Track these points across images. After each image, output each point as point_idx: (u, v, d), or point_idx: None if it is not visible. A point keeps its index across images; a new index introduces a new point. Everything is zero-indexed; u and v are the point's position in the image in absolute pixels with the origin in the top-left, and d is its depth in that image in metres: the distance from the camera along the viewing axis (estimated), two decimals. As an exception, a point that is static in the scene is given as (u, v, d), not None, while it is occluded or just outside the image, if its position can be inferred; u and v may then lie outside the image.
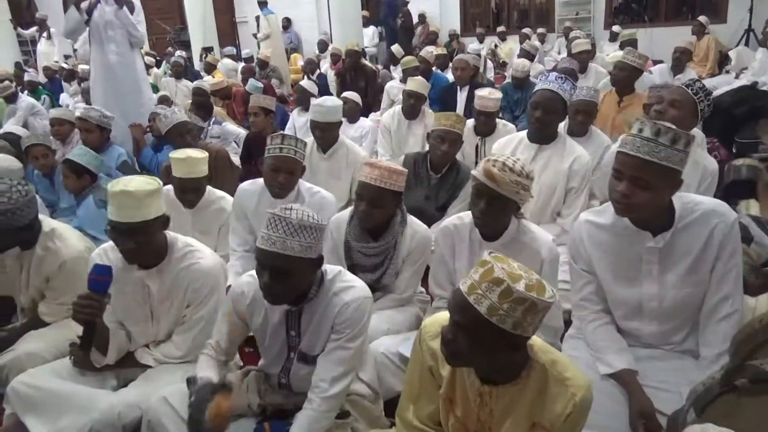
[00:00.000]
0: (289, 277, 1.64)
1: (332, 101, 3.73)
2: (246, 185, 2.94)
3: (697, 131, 3.13)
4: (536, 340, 1.42)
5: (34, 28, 12.72)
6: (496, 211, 1.95)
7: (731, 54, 7.81)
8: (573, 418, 1.35)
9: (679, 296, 1.75)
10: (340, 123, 3.73)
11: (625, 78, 4.06)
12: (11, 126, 4.48)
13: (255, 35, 11.26)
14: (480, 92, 4.03)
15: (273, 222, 1.62)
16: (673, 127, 1.59)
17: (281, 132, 2.79)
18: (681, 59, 5.86)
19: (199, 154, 2.90)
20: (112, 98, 5.04)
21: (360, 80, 6.91)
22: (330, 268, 1.83)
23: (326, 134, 3.60)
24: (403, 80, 6.04)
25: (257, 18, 11.28)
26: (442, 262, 2.24)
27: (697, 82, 2.58)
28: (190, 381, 1.78)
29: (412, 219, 2.43)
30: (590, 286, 1.90)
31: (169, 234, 2.13)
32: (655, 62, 6.77)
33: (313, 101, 3.98)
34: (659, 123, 1.61)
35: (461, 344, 1.29)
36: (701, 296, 1.74)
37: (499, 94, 4.07)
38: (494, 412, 1.42)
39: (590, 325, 1.90)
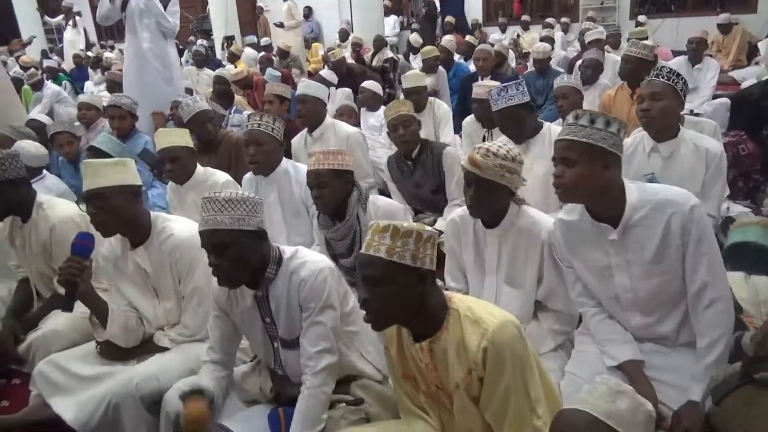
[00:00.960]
0: (228, 251, 1.68)
1: (315, 82, 3.86)
2: (248, 174, 3.05)
3: (708, 121, 3.11)
4: (455, 294, 1.56)
5: (60, 16, 12.91)
6: (485, 196, 1.98)
7: (760, 45, 7.61)
8: (493, 356, 1.40)
9: (649, 287, 1.75)
10: (323, 102, 3.80)
11: (632, 70, 3.99)
12: (36, 114, 4.58)
13: (279, 24, 11.21)
14: (478, 85, 4.06)
15: (204, 205, 1.70)
16: (593, 111, 1.72)
17: (251, 112, 2.90)
18: (697, 49, 5.71)
19: (180, 129, 3.13)
20: (144, 86, 5.10)
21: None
22: (287, 249, 1.85)
23: (306, 106, 3.67)
24: (423, 70, 6.02)
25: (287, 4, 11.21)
26: (453, 254, 2.26)
27: (663, 68, 2.59)
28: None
29: (375, 196, 2.53)
30: (580, 282, 1.92)
31: (153, 213, 2.22)
32: (681, 53, 6.61)
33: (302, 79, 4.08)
34: (579, 110, 1.74)
35: (378, 300, 1.43)
36: (676, 286, 1.74)
37: (492, 83, 4.05)
38: (434, 366, 1.51)
39: (593, 320, 1.91)
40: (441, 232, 2.34)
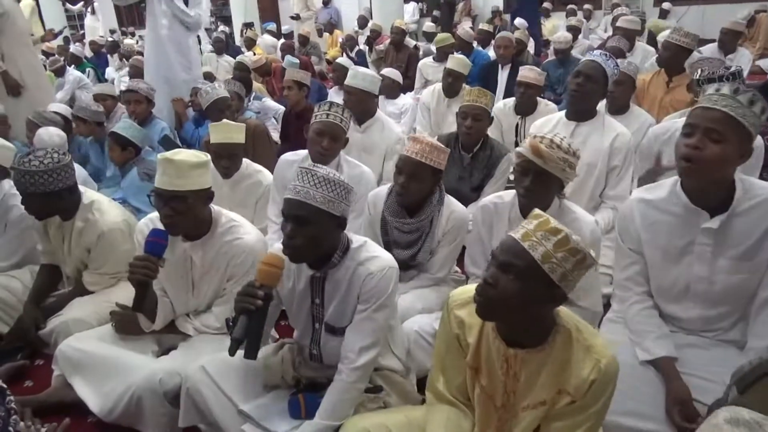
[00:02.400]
0: (309, 227, 1.66)
1: (368, 71, 3.70)
2: (288, 155, 2.98)
3: None
4: (562, 308, 1.42)
5: (80, 3, 13.01)
6: (542, 188, 1.94)
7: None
8: (597, 387, 1.34)
9: (730, 282, 1.69)
10: (375, 96, 3.68)
11: (670, 58, 3.91)
12: (55, 105, 4.67)
13: (295, 17, 11.13)
14: (524, 67, 4.01)
15: (300, 174, 1.69)
16: (755, 91, 1.58)
17: (330, 101, 2.82)
18: (728, 40, 5.60)
19: (237, 124, 2.96)
20: (163, 72, 5.12)
21: (401, 59, 6.85)
22: (356, 238, 1.84)
23: (355, 99, 3.54)
24: (437, 58, 5.97)
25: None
26: (478, 240, 2.23)
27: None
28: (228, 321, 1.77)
29: (450, 199, 2.42)
30: (636, 266, 1.85)
31: (214, 208, 2.18)
32: (706, 41, 6.46)
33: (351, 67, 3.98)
34: (745, 87, 1.59)
35: (503, 291, 1.29)
36: (754, 285, 1.68)
37: (542, 72, 4.00)
38: (519, 377, 1.42)
39: (633, 308, 1.86)
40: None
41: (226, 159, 2.90)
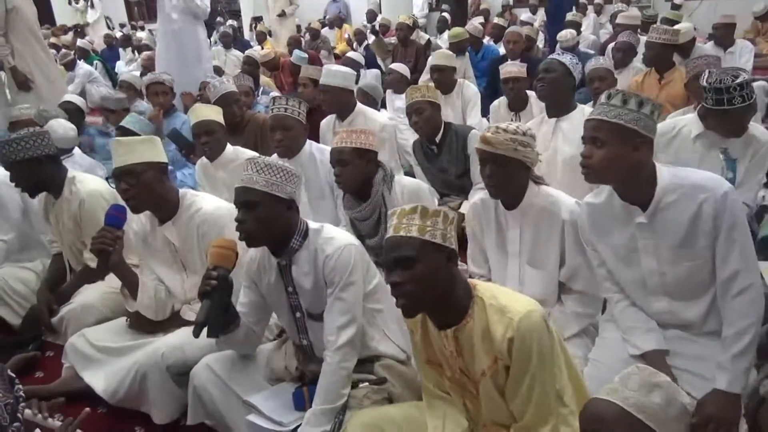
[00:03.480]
0: (256, 210, 1.73)
1: (339, 67, 3.75)
2: (274, 156, 3.02)
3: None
4: (479, 282, 1.54)
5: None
6: (501, 172, 1.96)
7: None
8: (519, 344, 1.38)
9: (678, 272, 1.72)
10: (351, 91, 3.71)
11: (655, 57, 3.94)
12: (68, 96, 4.73)
13: (282, 14, 10.49)
14: (503, 64, 4.07)
15: (246, 164, 1.77)
16: (627, 90, 1.68)
17: (275, 95, 2.91)
18: (721, 35, 5.54)
19: (212, 106, 3.19)
20: (173, 66, 5.15)
21: (409, 54, 6.83)
22: (314, 224, 1.89)
23: (329, 97, 3.61)
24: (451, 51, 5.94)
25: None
26: (474, 239, 2.25)
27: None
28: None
29: (400, 176, 2.52)
30: (604, 266, 1.89)
31: (182, 190, 2.28)
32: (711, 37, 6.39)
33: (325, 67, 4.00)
34: (615, 89, 1.70)
35: (409, 282, 1.40)
36: (705, 272, 1.70)
37: (521, 64, 4.02)
38: (462, 353, 1.50)
39: (617, 306, 1.88)
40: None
41: (205, 135, 3.01)
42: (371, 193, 2.41)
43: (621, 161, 1.65)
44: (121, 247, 2.15)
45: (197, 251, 2.23)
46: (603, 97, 1.70)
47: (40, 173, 2.50)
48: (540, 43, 8.13)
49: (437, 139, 3.24)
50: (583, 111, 2.89)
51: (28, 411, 1.43)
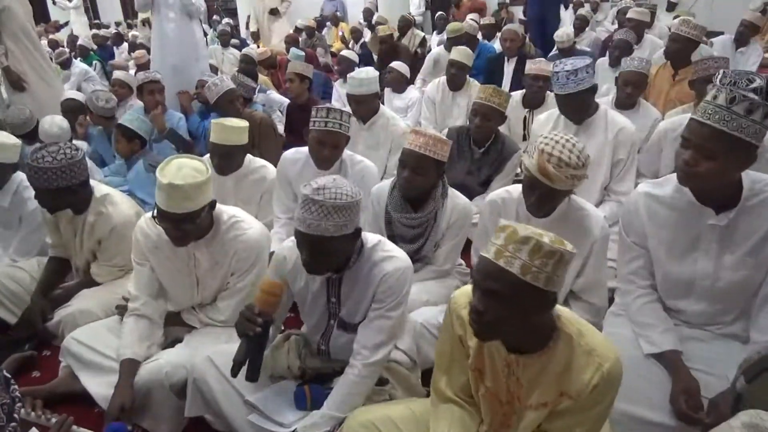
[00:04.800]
0: (326, 253, 1.68)
1: (366, 73, 3.67)
2: (290, 153, 2.95)
3: None
4: (563, 310, 1.41)
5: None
6: (549, 201, 1.92)
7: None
8: (600, 390, 1.33)
9: (734, 278, 1.68)
10: (377, 94, 3.69)
11: (678, 50, 3.88)
12: (70, 92, 4.72)
13: (274, 11, 9.85)
14: (532, 60, 4.00)
15: (307, 204, 1.63)
16: (752, 96, 1.49)
17: (328, 105, 2.78)
18: (744, 33, 5.54)
19: (241, 123, 2.89)
20: (170, 65, 5.13)
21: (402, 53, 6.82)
22: (370, 237, 1.83)
23: (362, 106, 3.60)
24: (448, 48, 5.95)
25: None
26: (485, 234, 2.22)
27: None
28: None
29: (453, 192, 2.41)
30: (640, 260, 1.84)
31: (216, 207, 2.15)
32: (714, 33, 6.40)
33: (349, 74, 3.94)
34: (737, 90, 1.50)
35: (493, 314, 1.28)
36: (758, 281, 1.67)
37: (547, 63, 3.99)
38: (521, 381, 1.41)
39: (637, 301, 1.85)
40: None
41: (218, 158, 2.86)
42: (427, 205, 2.30)
43: (727, 174, 1.56)
44: None
45: (222, 274, 2.17)
46: (722, 98, 1.50)
47: (70, 199, 2.44)
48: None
49: (486, 144, 3.19)
50: (606, 114, 2.85)
51: (23, 411, 1.42)
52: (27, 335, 2.64)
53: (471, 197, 3.15)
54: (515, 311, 1.27)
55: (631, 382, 1.68)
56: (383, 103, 5.14)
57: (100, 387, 2.11)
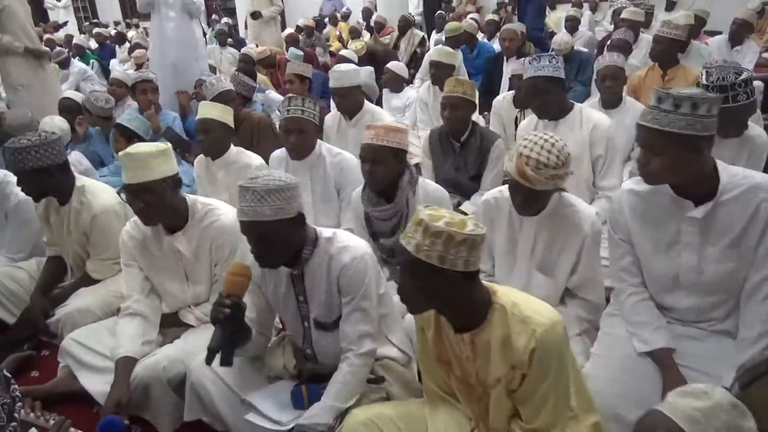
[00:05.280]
0: (272, 241, 1.69)
1: (346, 66, 3.70)
2: (276, 152, 3.03)
3: None
4: (499, 287, 1.50)
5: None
6: (534, 201, 1.94)
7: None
8: (540, 355, 1.37)
9: (719, 270, 1.70)
10: (359, 86, 3.70)
11: (662, 51, 3.90)
12: (69, 92, 4.72)
13: (255, 15, 8.59)
14: (515, 62, 4.03)
15: (242, 194, 1.67)
16: (683, 92, 1.58)
17: (290, 95, 2.86)
18: (738, 31, 5.54)
19: (224, 106, 3.03)
20: (169, 65, 5.13)
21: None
22: (325, 231, 1.85)
23: (345, 99, 3.61)
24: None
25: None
26: None
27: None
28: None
29: (423, 180, 2.46)
30: (629, 257, 1.87)
31: (189, 197, 2.22)
32: (713, 33, 6.40)
33: (331, 69, 3.98)
34: (664, 90, 1.61)
35: (408, 287, 1.41)
36: (743, 273, 1.68)
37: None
38: (474, 359, 1.48)
39: (629, 299, 1.87)
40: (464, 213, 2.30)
41: (202, 133, 2.97)
42: (396, 195, 2.34)
43: (681, 166, 1.61)
44: None
45: (207, 262, 2.20)
46: (652, 100, 1.62)
47: (50, 182, 2.46)
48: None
49: (462, 138, 3.20)
50: (582, 112, 2.87)
51: (23, 412, 1.43)
52: (26, 335, 2.65)
53: (466, 193, 3.21)
54: (423, 287, 1.38)
55: (626, 382, 1.70)
56: (381, 103, 5.16)
57: (98, 385, 2.12)
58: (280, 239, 1.71)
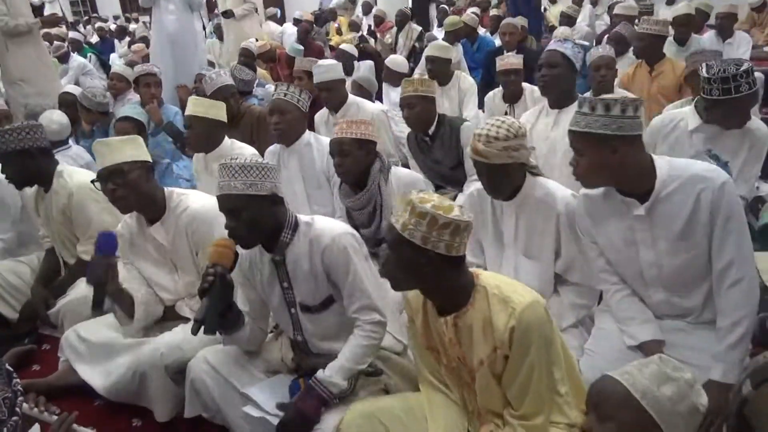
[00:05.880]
0: (242, 214, 1.71)
1: (329, 61, 3.75)
2: (271, 147, 3.07)
3: None
4: (483, 271, 1.56)
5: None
6: (499, 179, 1.98)
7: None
8: (519, 334, 1.40)
9: (676, 263, 1.73)
10: (343, 79, 3.76)
11: (646, 48, 3.91)
12: (68, 86, 4.71)
13: (227, 14, 7.83)
14: (500, 57, 4.05)
15: (220, 171, 1.74)
16: (596, 97, 1.68)
17: (277, 83, 2.91)
18: (723, 24, 5.52)
19: (213, 101, 3.04)
20: (169, 59, 5.12)
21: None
22: (304, 217, 1.87)
23: (331, 93, 3.66)
24: (447, 42, 5.92)
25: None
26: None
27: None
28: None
29: (396, 168, 2.54)
30: (602, 257, 1.90)
31: (167, 189, 2.25)
32: (713, 27, 6.38)
33: (315, 64, 3.98)
34: (583, 97, 1.74)
35: (392, 264, 1.47)
36: (702, 263, 1.71)
37: (518, 56, 4.02)
38: (460, 341, 1.51)
39: (615, 296, 1.89)
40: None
41: (188, 129, 3.01)
42: (368, 183, 2.43)
43: (602, 166, 1.69)
44: (116, 275, 2.11)
45: (188, 250, 2.22)
46: (576, 106, 1.73)
47: (31, 166, 2.50)
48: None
49: (431, 131, 3.22)
50: None
51: (25, 405, 1.43)
52: (27, 329, 2.66)
53: (454, 185, 3.27)
54: (405, 265, 1.44)
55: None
56: (381, 98, 5.15)
57: (99, 377, 2.15)
58: (251, 215, 1.72)
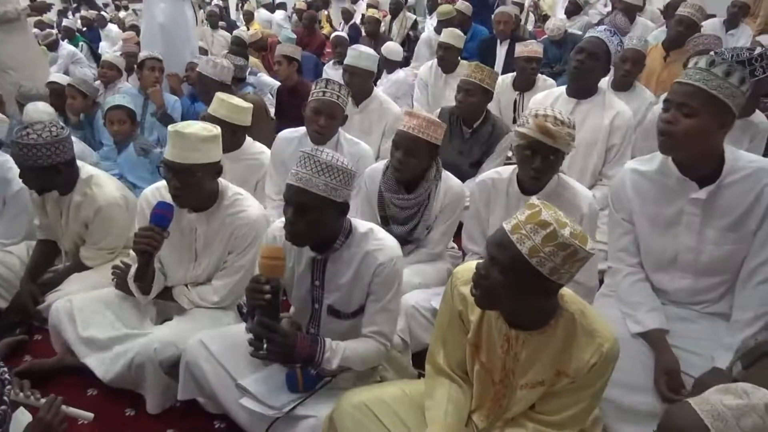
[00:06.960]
0: (310, 214, 1.64)
1: (368, 50, 3.64)
2: (285, 133, 2.95)
3: None
4: (567, 291, 1.42)
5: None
6: (550, 165, 1.94)
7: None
8: (597, 369, 1.36)
9: (716, 252, 1.71)
10: (373, 74, 3.65)
11: (681, 34, 3.87)
12: (54, 75, 4.64)
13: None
14: (521, 43, 4.00)
15: (303, 160, 1.64)
16: (737, 64, 1.58)
17: (326, 78, 2.79)
18: (736, 14, 5.52)
19: (245, 105, 2.85)
20: (160, 46, 5.06)
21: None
22: (361, 224, 1.82)
23: (355, 79, 3.51)
24: (438, 31, 5.90)
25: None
26: (476, 216, 2.22)
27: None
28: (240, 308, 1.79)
29: (447, 174, 2.41)
30: (628, 236, 1.87)
31: (222, 182, 2.18)
32: (710, 17, 6.36)
33: (350, 46, 3.87)
34: (712, 56, 1.59)
35: (494, 282, 1.29)
36: (740, 256, 1.69)
37: (540, 44, 4.00)
38: (519, 357, 1.43)
39: (626, 280, 1.87)
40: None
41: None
42: (420, 187, 2.31)
43: (705, 135, 1.60)
44: (160, 248, 2.03)
45: (222, 248, 2.18)
46: (702, 62, 1.58)
47: (57, 178, 2.41)
48: (530, 25, 8.09)
49: (475, 125, 3.17)
50: (605, 96, 2.83)
51: (12, 392, 1.41)
52: (18, 320, 2.63)
53: (463, 179, 3.16)
54: (513, 288, 1.28)
55: (618, 364, 1.70)
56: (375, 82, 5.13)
57: (97, 364, 2.13)
58: (318, 218, 1.66)
